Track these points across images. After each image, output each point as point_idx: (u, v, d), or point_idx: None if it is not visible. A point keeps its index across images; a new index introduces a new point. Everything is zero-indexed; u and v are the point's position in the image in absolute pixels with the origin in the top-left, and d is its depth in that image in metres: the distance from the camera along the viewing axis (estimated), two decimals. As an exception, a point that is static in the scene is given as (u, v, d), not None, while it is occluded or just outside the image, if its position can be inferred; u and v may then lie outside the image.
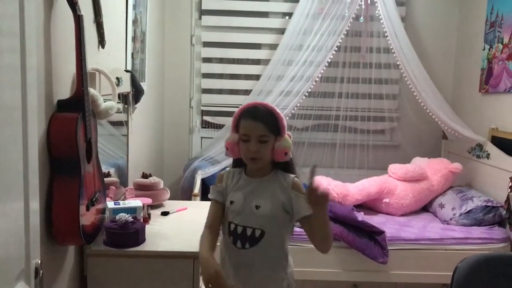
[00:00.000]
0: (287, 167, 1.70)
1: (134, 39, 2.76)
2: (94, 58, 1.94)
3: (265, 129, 1.62)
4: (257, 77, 3.93)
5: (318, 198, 1.43)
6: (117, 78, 2.05)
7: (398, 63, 3.68)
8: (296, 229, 1.71)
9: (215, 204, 1.71)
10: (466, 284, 1.55)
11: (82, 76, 1.53)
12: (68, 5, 1.49)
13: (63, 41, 1.58)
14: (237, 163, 1.75)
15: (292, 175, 1.67)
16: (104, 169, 2.13)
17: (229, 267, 1.65)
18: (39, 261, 1.14)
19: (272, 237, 1.63)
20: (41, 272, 1.13)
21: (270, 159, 1.65)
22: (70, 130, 1.48)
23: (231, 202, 1.66)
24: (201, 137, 4.18)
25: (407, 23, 4.00)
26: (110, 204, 1.99)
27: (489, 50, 3.58)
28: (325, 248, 1.58)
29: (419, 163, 3.71)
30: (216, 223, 1.69)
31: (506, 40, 3.35)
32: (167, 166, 4.10)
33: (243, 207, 1.64)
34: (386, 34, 3.64)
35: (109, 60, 2.18)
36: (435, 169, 3.61)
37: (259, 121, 1.62)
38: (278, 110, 1.69)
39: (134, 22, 2.74)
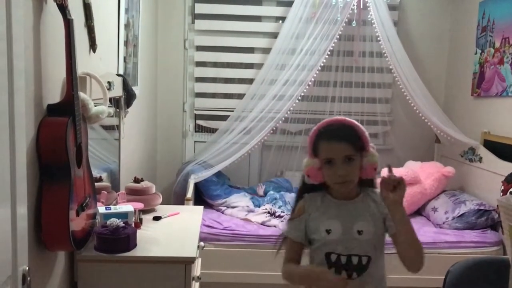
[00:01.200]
0: (372, 181, 1.55)
1: (126, 43, 2.76)
2: (85, 62, 1.93)
3: (350, 148, 1.45)
4: (250, 81, 3.93)
5: (391, 186, 1.37)
6: (109, 82, 2.04)
7: (390, 67, 3.69)
8: None
9: (294, 244, 1.52)
10: (458, 286, 1.55)
11: (72, 81, 1.52)
12: (58, 9, 1.48)
13: (53, 45, 1.57)
14: (310, 186, 1.55)
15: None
16: (96, 173, 2.12)
17: None
18: (27, 268, 1.13)
19: (378, 260, 1.49)
20: (28, 278, 1.12)
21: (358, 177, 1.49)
22: (59, 135, 1.47)
23: (328, 232, 1.47)
24: (195, 141, 4.17)
25: (400, 28, 4.02)
26: (101, 209, 1.97)
27: (481, 54, 3.60)
28: (415, 268, 1.44)
29: (412, 167, 3.72)
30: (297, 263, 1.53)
31: (497, 45, 3.37)
32: (160, 171, 4.08)
33: (343, 235, 1.46)
34: (378, 38, 3.65)
35: (101, 64, 2.17)
36: (428, 172, 3.62)
37: (343, 141, 1.45)
38: (358, 124, 1.51)
39: (126, 26, 2.73)
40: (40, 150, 1.47)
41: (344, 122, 1.51)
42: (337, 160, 1.44)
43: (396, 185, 1.38)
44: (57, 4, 1.46)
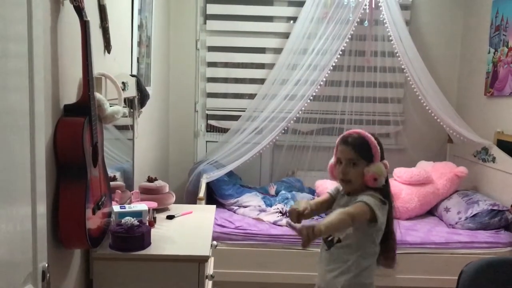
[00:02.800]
0: (384, 193, 1.78)
1: (139, 43, 2.78)
2: (100, 63, 1.96)
3: (354, 153, 1.77)
4: (261, 81, 3.94)
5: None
6: (123, 83, 2.06)
7: (402, 66, 3.67)
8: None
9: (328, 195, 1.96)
10: (472, 286, 1.55)
11: (89, 81, 1.54)
12: (75, 10, 1.50)
13: (70, 46, 1.60)
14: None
15: (370, 194, 1.75)
16: (110, 173, 2.14)
17: None
18: (46, 264, 1.15)
19: (353, 247, 1.78)
20: (48, 275, 1.14)
21: (361, 183, 1.78)
22: (76, 135, 1.49)
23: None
24: (206, 141, 4.19)
25: (412, 27, 4.00)
26: (116, 207, 1.99)
27: (494, 53, 3.57)
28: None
29: (424, 167, 3.70)
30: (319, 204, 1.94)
31: (511, 44, 3.34)
32: (172, 170, 4.11)
33: None
34: (390, 38, 3.64)
35: (115, 65, 2.19)
36: (440, 172, 3.60)
37: (349, 146, 1.79)
38: (372, 138, 1.80)
39: (140, 27, 2.76)
40: (57, 149, 1.50)
41: (360, 133, 1.82)
42: (343, 161, 1.80)
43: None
44: (73, 5, 1.49)
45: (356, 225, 1.73)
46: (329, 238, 1.83)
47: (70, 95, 1.64)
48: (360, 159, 1.76)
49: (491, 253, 2.95)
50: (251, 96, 3.96)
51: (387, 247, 1.85)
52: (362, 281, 1.79)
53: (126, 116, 2.27)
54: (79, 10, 1.50)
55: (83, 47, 1.53)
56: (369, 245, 1.78)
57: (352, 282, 1.77)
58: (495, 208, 3.18)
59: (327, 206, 1.94)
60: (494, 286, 1.54)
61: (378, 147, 1.78)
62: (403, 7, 3.87)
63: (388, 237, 1.84)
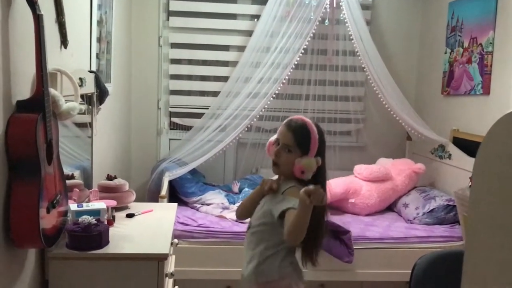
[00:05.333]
0: (304, 181, 1.77)
1: (99, 39, 2.73)
2: (56, 58, 1.91)
3: (292, 140, 1.77)
4: (225, 78, 3.93)
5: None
6: (80, 79, 2.02)
7: (363, 65, 3.75)
8: None
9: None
10: (424, 279, 1.61)
11: (42, 76, 1.50)
12: (28, 4, 1.46)
13: (22, 41, 1.55)
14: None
15: (293, 198, 1.70)
16: (69, 171, 2.11)
17: None
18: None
19: (265, 233, 1.82)
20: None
21: (290, 171, 1.78)
22: (29, 131, 1.46)
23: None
24: (170, 139, 4.15)
25: (372, 27, 4.09)
26: (73, 206, 1.95)
27: (450, 53, 3.69)
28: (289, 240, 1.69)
29: (383, 164, 3.79)
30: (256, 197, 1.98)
31: (466, 44, 3.46)
32: (134, 168, 4.06)
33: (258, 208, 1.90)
34: (351, 37, 3.70)
35: (72, 61, 2.15)
36: (399, 169, 3.69)
37: (290, 132, 1.79)
38: (315, 132, 1.79)
39: (99, 22, 2.71)
40: (9, 147, 1.46)
41: (306, 123, 1.80)
42: (280, 143, 1.80)
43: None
44: (26, -1, 1.45)
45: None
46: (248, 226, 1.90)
47: (24, 91, 1.60)
48: (296, 148, 1.77)
49: (447, 246, 3.04)
50: (215, 94, 3.95)
51: (311, 245, 1.82)
52: (265, 271, 1.79)
53: (84, 113, 2.23)
54: (32, 4, 1.47)
55: (37, 42, 1.49)
56: (275, 238, 1.78)
57: (258, 269, 1.80)
58: (451, 203, 3.29)
59: (260, 198, 1.94)
60: (444, 277, 1.60)
61: (318, 143, 1.78)
62: (364, 7, 3.94)
63: (313, 235, 1.77)
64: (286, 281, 1.80)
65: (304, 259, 1.85)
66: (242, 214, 2.01)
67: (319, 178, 1.80)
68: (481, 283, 0.90)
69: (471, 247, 0.94)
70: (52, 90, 1.62)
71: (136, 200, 2.54)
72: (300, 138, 1.77)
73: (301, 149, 1.76)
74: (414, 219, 3.35)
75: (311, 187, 1.52)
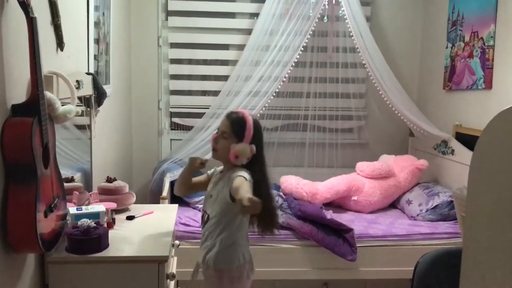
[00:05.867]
0: (254, 174, 1.94)
1: (97, 41, 2.72)
2: (52, 61, 1.90)
3: (229, 128, 1.97)
4: (225, 78, 3.92)
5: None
6: (77, 81, 2.01)
7: (364, 62, 3.72)
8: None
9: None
10: (427, 277, 1.59)
11: (37, 80, 1.49)
12: (20, 6, 1.45)
13: (16, 44, 1.54)
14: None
15: (242, 172, 1.89)
16: (69, 174, 2.10)
17: None
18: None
19: (221, 223, 1.96)
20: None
21: (227, 157, 1.95)
22: (24, 135, 1.44)
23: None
24: (171, 139, 4.14)
25: (372, 23, 4.06)
26: (72, 209, 1.95)
27: (451, 48, 3.66)
28: None
29: (386, 161, 3.77)
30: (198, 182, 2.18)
31: (467, 39, 3.43)
32: (136, 169, 4.05)
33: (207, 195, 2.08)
34: (351, 33, 3.67)
35: (69, 63, 2.13)
36: (402, 166, 3.67)
37: (228, 121, 1.99)
38: (251, 122, 1.97)
39: (97, 24, 2.70)
40: (4, 151, 1.45)
41: (243, 114, 2.00)
42: (219, 130, 2.01)
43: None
44: (19, 1, 1.43)
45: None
46: (205, 217, 2.04)
47: (19, 95, 1.59)
48: (232, 135, 1.95)
49: (451, 243, 3.01)
50: (216, 93, 3.93)
51: (264, 215, 1.96)
52: (227, 256, 1.96)
53: (82, 115, 2.22)
54: (25, 6, 1.45)
55: (30, 45, 1.48)
56: (233, 221, 1.95)
57: (218, 257, 1.95)
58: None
59: (204, 186, 2.12)
60: (447, 275, 1.58)
61: (253, 131, 1.95)
62: (364, 3, 3.91)
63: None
64: (240, 269, 1.98)
65: (263, 228, 2.06)
66: (180, 191, 2.19)
67: (255, 167, 1.96)
68: (479, 279, 0.88)
69: (468, 242, 0.93)
70: (47, 93, 1.61)
71: (138, 202, 2.53)
72: (236, 125, 1.95)
73: (237, 136, 1.94)
74: (417, 215, 3.33)
75: (256, 199, 1.61)
